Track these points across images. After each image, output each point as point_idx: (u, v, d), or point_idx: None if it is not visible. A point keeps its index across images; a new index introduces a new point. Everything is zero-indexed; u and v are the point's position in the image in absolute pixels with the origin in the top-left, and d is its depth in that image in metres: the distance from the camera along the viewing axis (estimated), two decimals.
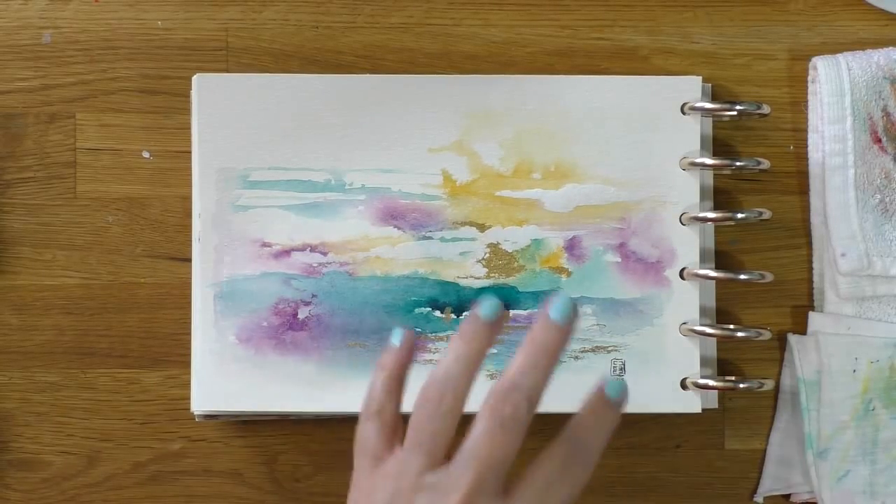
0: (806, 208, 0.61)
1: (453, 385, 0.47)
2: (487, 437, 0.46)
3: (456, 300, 0.58)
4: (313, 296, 0.58)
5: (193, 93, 0.58)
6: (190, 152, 0.58)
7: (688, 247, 0.58)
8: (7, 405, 0.60)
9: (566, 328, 0.48)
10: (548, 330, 0.48)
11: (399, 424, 0.48)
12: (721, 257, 0.60)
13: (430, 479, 0.46)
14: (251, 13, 0.60)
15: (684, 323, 0.58)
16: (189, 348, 0.58)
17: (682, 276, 0.58)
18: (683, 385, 0.58)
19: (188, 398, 0.58)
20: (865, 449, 0.59)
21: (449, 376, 0.47)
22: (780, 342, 0.61)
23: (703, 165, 0.58)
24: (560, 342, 0.48)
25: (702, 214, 0.58)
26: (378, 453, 0.48)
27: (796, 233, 0.61)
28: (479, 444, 0.46)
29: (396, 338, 0.50)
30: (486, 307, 0.48)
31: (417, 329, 0.58)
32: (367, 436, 0.48)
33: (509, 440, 0.46)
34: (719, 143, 0.60)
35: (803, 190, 0.61)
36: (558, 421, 0.58)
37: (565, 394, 0.57)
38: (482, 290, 0.58)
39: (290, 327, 0.57)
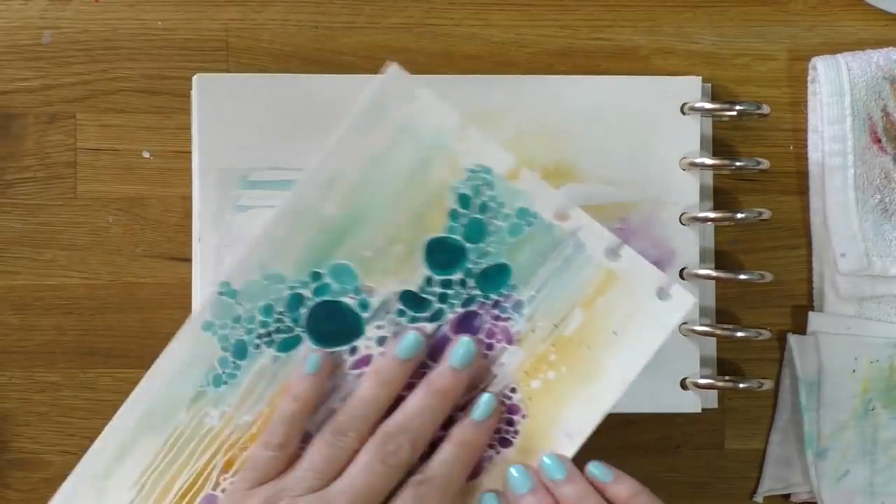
0: (806, 208, 0.61)
1: (360, 424, 0.50)
2: (366, 470, 0.48)
3: None
4: None
5: (193, 93, 0.58)
6: (190, 152, 0.58)
7: (687, 247, 0.58)
8: (7, 405, 0.60)
9: (463, 373, 0.50)
10: (443, 375, 0.50)
11: (296, 454, 0.50)
12: (721, 257, 0.60)
13: (306, 500, 0.48)
14: (251, 13, 0.60)
15: (684, 323, 0.58)
16: None
17: (681, 276, 0.58)
18: (683, 385, 0.58)
19: None
20: (865, 449, 0.59)
21: (356, 417, 0.50)
22: (780, 342, 0.61)
23: (703, 165, 0.58)
24: (455, 387, 0.50)
25: (702, 214, 0.58)
26: (264, 478, 0.50)
27: (796, 233, 0.61)
28: (357, 474, 0.48)
29: (311, 366, 0.51)
30: (404, 346, 0.51)
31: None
32: (261, 462, 0.50)
33: (384, 477, 0.49)
34: (719, 143, 0.60)
35: (803, 190, 0.61)
36: None
37: None
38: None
39: None
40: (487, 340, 0.52)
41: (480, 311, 0.52)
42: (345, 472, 0.49)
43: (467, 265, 0.52)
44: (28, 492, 0.60)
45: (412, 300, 0.52)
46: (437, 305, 0.52)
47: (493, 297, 0.52)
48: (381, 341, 0.51)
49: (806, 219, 0.61)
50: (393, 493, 0.49)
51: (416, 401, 0.50)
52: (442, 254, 0.52)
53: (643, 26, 0.61)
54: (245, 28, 0.60)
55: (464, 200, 0.51)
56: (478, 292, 0.52)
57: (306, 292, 0.51)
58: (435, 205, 0.51)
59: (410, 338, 0.51)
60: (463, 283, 0.52)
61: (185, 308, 0.58)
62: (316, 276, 0.51)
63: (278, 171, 0.58)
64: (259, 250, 0.51)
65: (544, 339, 0.52)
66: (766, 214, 0.58)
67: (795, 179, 0.61)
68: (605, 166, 0.58)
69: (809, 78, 0.61)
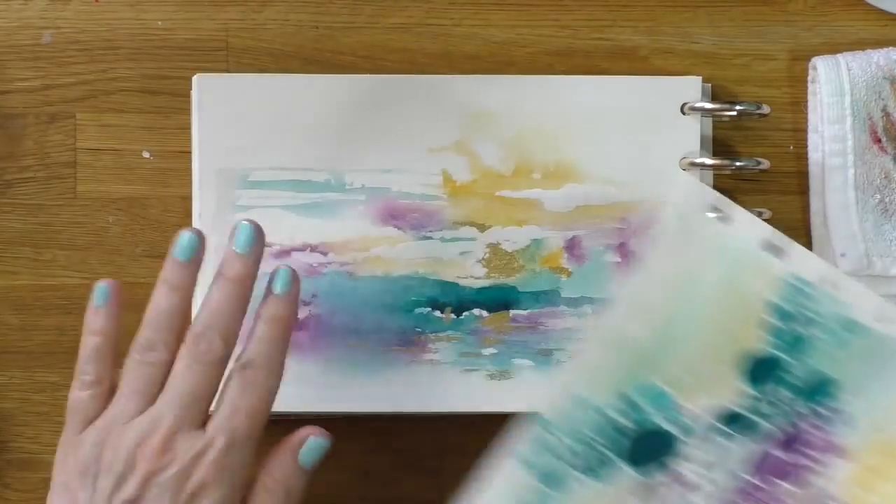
0: (806, 208, 0.61)
1: (165, 336, 0.50)
2: (186, 374, 0.49)
3: (456, 300, 0.58)
4: (313, 296, 0.58)
5: (193, 93, 0.58)
6: (190, 152, 0.58)
7: None
8: (7, 405, 0.60)
9: (251, 258, 0.51)
10: (232, 264, 0.51)
11: (114, 388, 0.51)
12: None
13: (137, 420, 0.48)
14: (251, 13, 0.60)
15: None
16: None
17: None
18: None
19: None
20: None
21: (160, 328, 0.50)
22: None
23: (703, 165, 0.58)
24: (248, 273, 0.51)
25: None
26: (91, 415, 0.50)
27: (796, 233, 0.61)
28: (179, 380, 0.49)
29: (100, 297, 0.52)
30: (180, 246, 0.51)
31: (417, 329, 0.58)
32: (81, 404, 0.51)
33: (206, 376, 0.49)
34: (719, 143, 0.60)
35: (803, 190, 0.61)
36: None
37: None
38: (482, 290, 0.58)
39: None
40: (814, 454, 0.50)
41: (804, 425, 0.50)
42: (166, 384, 0.49)
43: (788, 379, 0.50)
44: (28, 492, 0.60)
45: (730, 417, 0.50)
46: (758, 421, 0.50)
47: (818, 409, 0.50)
48: (706, 465, 0.50)
49: (806, 219, 0.61)
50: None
51: (214, 296, 0.51)
52: (760, 369, 0.50)
53: (643, 26, 0.61)
54: (245, 28, 0.60)
55: (780, 312, 0.50)
56: (801, 406, 0.50)
57: (620, 417, 0.50)
58: (749, 319, 0.50)
59: (183, 237, 0.51)
60: (784, 397, 0.50)
61: None
62: (628, 399, 0.50)
63: (278, 171, 0.58)
64: (570, 378, 0.50)
65: (877, 450, 0.50)
66: (766, 214, 0.58)
67: (795, 179, 0.61)
68: (605, 166, 0.58)
69: (809, 78, 0.61)
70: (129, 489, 0.48)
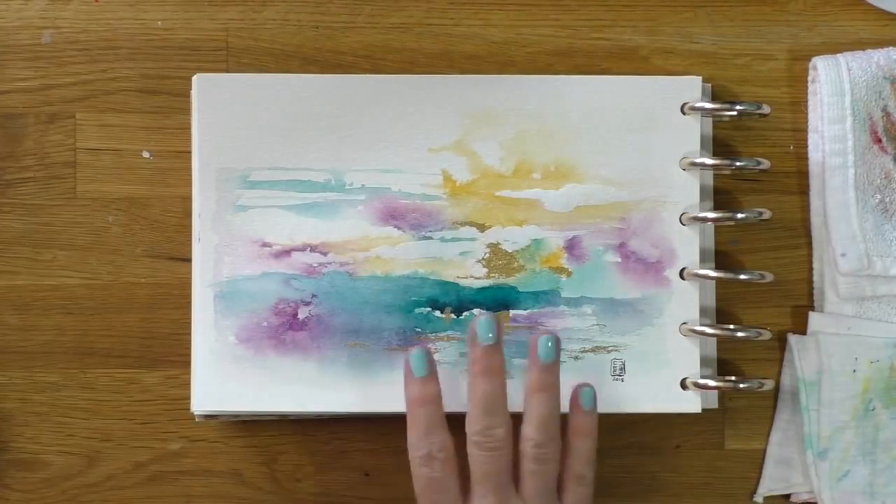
0: (806, 208, 0.61)
1: (496, 420, 0.53)
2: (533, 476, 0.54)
3: (456, 300, 0.58)
4: (313, 296, 0.58)
5: (193, 93, 0.58)
6: (190, 152, 0.58)
7: (688, 247, 0.58)
8: (7, 405, 0.60)
9: (555, 365, 0.55)
10: (543, 376, 0.55)
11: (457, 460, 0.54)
12: (721, 257, 0.60)
13: None
14: (251, 13, 0.60)
15: (684, 323, 0.58)
16: (189, 348, 0.58)
17: (682, 276, 0.58)
18: (683, 385, 0.58)
19: (188, 398, 0.58)
20: (865, 449, 0.59)
21: (489, 411, 0.53)
22: (780, 342, 0.61)
23: (703, 165, 0.58)
24: (556, 380, 0.55)
25: (702, 214, 0.58)
26: (454, 500, 0.54)
27: (796, 233, 0.61)
28: (530, 485, 0.54)
29: (419, 367, 0.55)
30: (483, 333, 0.54)
31: (417, 329, 0.58)
32: (441, 484, 0.53)
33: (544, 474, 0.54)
34: (719, 143, 0.60)
35: (803, 190, 0.61)
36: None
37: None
38: (482, 290, 0.58)
39: (290, 327, 0.57)
40: None
41: None
42: (519, 488, 0.54)
43: None
44: (28, 492, 0.60)
45: None
46: None
47: None
48: None
49: (806, 219, 0.61)
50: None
51: (537, 407, 0.54)
52: None
53: (643, 26, 0.61)
54: (245, 28, 0.60)
55: None
56: None
57: None
58: None
59: (483, 321, 0.54)
60: None
61: (184, 308, 0.58)
62: None
63: (278, 171, 0.58)
64: None
65: None
66: (767, 214, 0.58)
67: (795, 179, 0.61)
68: (605, 166, 0.58)
69: (809, 78, 0.61)
70: None
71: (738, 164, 0.58)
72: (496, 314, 0.56)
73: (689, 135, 0.58)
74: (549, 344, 0.54)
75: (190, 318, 0.58)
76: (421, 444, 0.53)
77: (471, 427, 0.54)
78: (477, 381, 0.54)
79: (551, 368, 0.55)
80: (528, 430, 0.54)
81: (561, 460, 0.55)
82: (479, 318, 0.54)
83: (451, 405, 0.57)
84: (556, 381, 0.55)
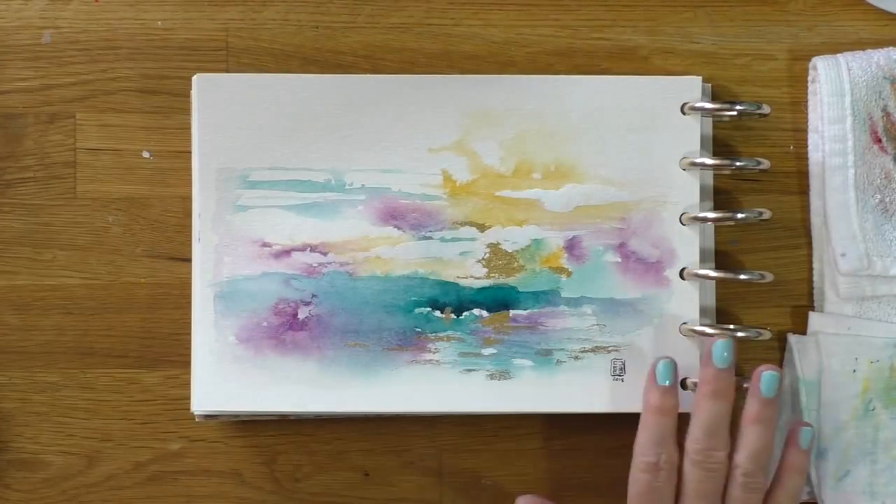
0: (806, 208, 0.61)
1: (718, 442, 0.54)
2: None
3: (456, 300, 0.58)
4: (313, 296, 0.58)
5: (193, 93, 0.58)
6: (190, 152, 0.58)
7: (688, 247, 0.58)
8: (7, 405, 0.60)
9: (775, 399, 0.56)
10: (761, 408, 0.55)
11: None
12: (721, 257, 0.60)
13: None
14: (251, 13, 0.60)
15: (684, 323, 0.58)
16: (189, 348, 0.58)
17: (682, 276, 0.58)
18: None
19: (188, 398, 0.58)
20: (865, 449, 0.59)
21: (712, 433, 0.54)
22: (780, 342, 0.61)
23: (703, 165, 0.58)
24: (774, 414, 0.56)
25: (702, 214, 0.58)
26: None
27: (796, 233, 0.61)
28: None
29: (664, 376, 0.56)
30: (718, 354, 0.55)
31: (417, 329, 0.58)
32: (659, 494, 0.54)
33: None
34: (719, 143, 0.60)
35: (803, 190, 0.61)
36: (561, 420, 0.58)
37: (566, 394, 0.57)
38: (482, 290, 0.58)
39: (290, 327, 0.57)
40: None
41: None
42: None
43: None
44: (28, 492, 0.60)
45: None
46: None
47: None
48: None
49: (806, 219, 0.61)
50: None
51: (753, 440, 0.55)
52: None
53: (643, 26, 0.61)
54: (245, 28, 0.60)
55: None
56: None
57: None
58: None
59: (720, 343, 0.55)
60: None
61: (184, 308, 0.58)
62: None
63: (278, 171, 0.58)
64: None
65: None
66: (767, 214, 0.58)
67: (795, 179, 0.61)
68: (605, 166, 0.58)
69: (809, 78, 0.61)
70: None
71: (738, 164, 0.58)
72: (731, 341, 0.56)
73: (689, 135, 0.59)
74: (773, 381, 0.55)
75: (190, 318, 0.58)
76: (650, 451, 0.54)
77: (692, 445, 0.55)
78: (704, 402, 0.55)
79: (772, 403, 0.55)
80: (741, 458, 0.55)
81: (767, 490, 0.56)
82: (717, 341, 0.55)
83: (449, 406, 0.57)
84: (775, 415, 0.56)
